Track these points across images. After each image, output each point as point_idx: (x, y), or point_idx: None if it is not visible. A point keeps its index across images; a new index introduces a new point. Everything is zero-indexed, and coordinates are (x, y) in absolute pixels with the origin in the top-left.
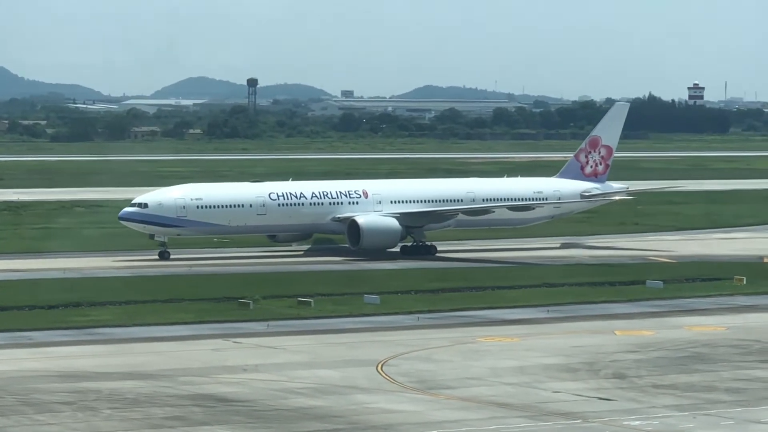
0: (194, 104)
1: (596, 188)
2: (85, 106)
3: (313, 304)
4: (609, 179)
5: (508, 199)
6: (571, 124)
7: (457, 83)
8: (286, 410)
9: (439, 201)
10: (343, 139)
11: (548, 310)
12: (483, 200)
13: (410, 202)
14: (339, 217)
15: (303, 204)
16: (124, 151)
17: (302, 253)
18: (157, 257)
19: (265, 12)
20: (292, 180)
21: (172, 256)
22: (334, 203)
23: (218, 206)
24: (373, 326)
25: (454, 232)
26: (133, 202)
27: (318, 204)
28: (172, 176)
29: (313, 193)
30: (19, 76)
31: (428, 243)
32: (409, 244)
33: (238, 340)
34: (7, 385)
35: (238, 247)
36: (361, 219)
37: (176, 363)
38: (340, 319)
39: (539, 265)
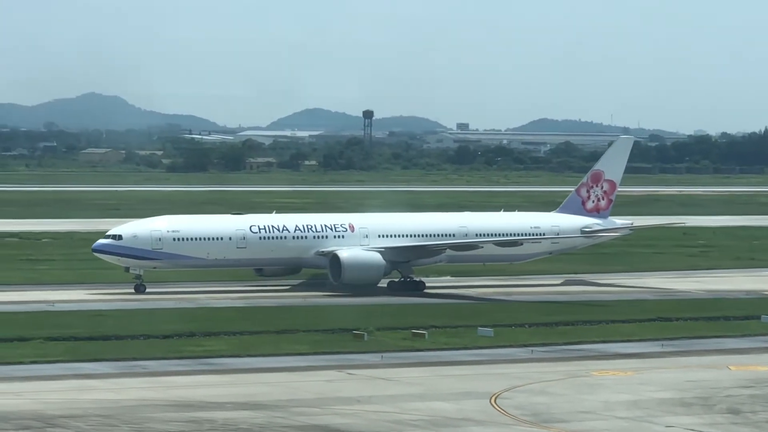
0: (310, 136)
1: (597, 224)
2: (201, 136)
3: (427, 336)
4: (614, 214)
5: (501, 235)
6: (687, 158)
7: (572, 116)
8: None
9: (429, 236)
10: (458, 171)
11: (662, 344)
12: (476, 235)
13: (399, 236)
14: (324, 252)
15: (285, 237)
16: (239, 182)
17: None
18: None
19: (381, 44)
20: (276, 213)
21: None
22: (318, 237)
23: (196, 239)
24: (487, 359)
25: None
26: (107, 233)
27: (302, 237)
28: (287, 207)
29: (296, 226)
30: (136, 106)
31: (416, 279)
32: (397, 279)
33: (352, 371)
34: (121, 414)
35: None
36: (343, 253)
37: (290, 394)
38: (454, 351)
39: (653, 300)
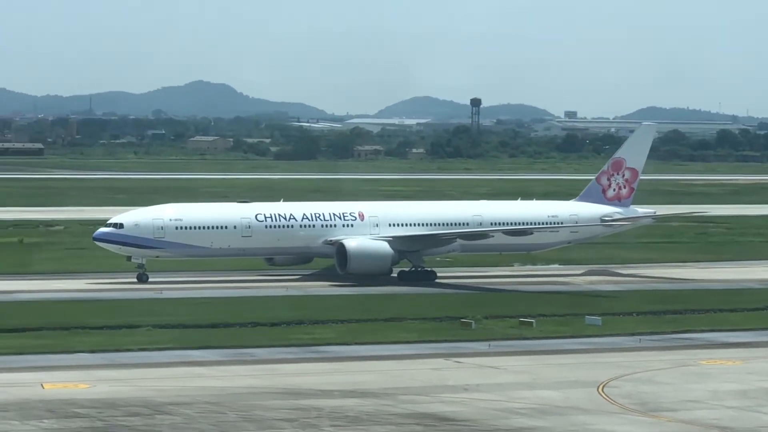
0: (417, 124)
1: (618, 212)
2: (308, 124)
3: (534, 324)
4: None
5: (517, 224)
6: None
7: (680, 104)
8: (506, 430)
9: (441, 224)
10: (565, 159)
11: None
12: (491, 224)
13: (410, 225)
14: (332, 240)
15: (293, 226)
16: (347, 169)
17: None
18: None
19: (489, 32)
20: (284, 201)
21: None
22: (326, 225)
23: (199, 227)
24: (595, 347)
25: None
26: (108, 222)
27: (309, 226)
28: (395, 195)
29: (304, 214)
30: (244, 94)
31: (428, 268)
32: (408, 269)
33: (459, 359)
34: (229, 401)
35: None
36: (349, 242)
37: (398, 382)
38: (561, 340)
39: (760, 289)
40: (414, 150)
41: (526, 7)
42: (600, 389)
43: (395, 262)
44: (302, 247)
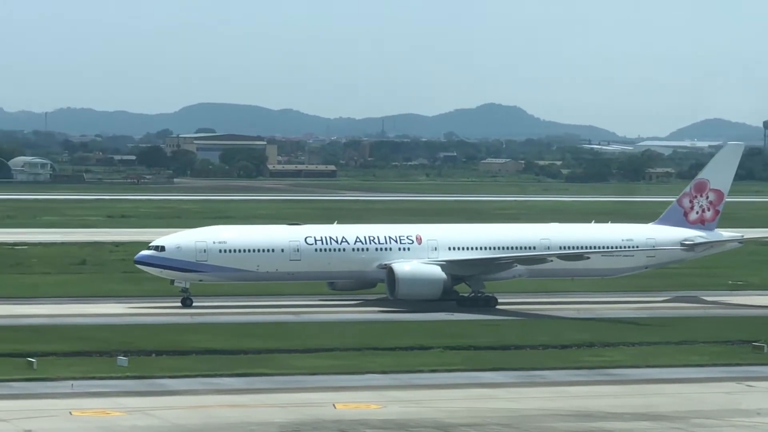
0: (709, 146)
1: (701, 236)
2: (600, 147)
3: None
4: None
5: (584, 248)
6: None
7: None
8: None
9: (504, 248)
10: None
11: None
12: (560, 248)
13: (471, 249)
14: (387, 264)
15: (344, 249)
16: (638, 192)
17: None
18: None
19: None
20: (337, 223)
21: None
22: (381, 249)
23: (245, 250)
24: None
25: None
26: (150, 244)
27: (362, 249)
28: None
29: (357, 237)
30: (535, 116)
31: (488, 294)
32: (467, 294)
33: (751, 383)
34: (521, 423)
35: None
36: (398, 266)
37: (689, 405)
38: None
39: None
40: None
41: None
42: None
43: (448, 287)
44: (356, 271)
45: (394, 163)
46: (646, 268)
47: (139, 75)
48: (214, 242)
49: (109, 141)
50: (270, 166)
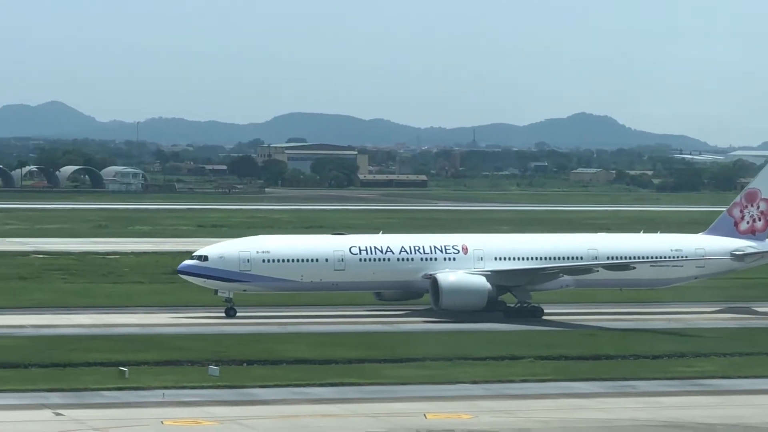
0: None
1: (751, 246)
2: (691, 156)
3: None
4: None
5: (632, 258)
6: None
7: None
8: None
9: (551, 259)
10: None
11: None
12: (607, 258)
13: (518, 259)
14: (431, 275)
15: (389, 259)
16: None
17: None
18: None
19: None
20: (382, 233)
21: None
22: (426, 259)
23: (289, 260)
24: None
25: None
26: (193, 254)
27: (407, 260)
28: None
29: (402, 247)
30: (626, 126)
31: (534, 304)
32: (514, 305)
33: None
34: None
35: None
36: (442, 276)
37: None
38: None
39: None
40: None
41: None
42: None
43: (493, 298)
44: (401, 281)
45: (485, 173)
46: (696, 278)
47: (230, 85)
48: (257, 252)
49: (201, 150)
50: (361, 176)
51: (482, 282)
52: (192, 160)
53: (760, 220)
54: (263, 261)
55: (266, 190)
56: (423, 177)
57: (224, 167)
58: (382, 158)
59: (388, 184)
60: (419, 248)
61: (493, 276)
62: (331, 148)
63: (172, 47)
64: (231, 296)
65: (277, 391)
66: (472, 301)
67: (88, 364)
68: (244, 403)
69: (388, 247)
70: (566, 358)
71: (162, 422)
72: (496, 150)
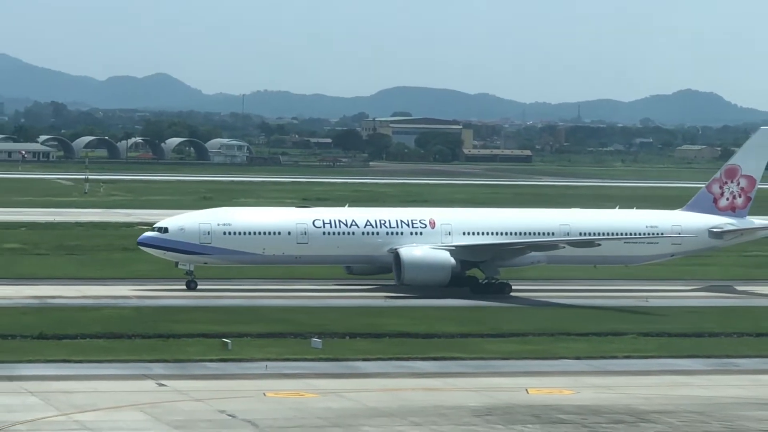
0: None
1: (730, 224)
2: None
3: None
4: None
5: (607, 234)
6: None
7: None
8: None
9: (521, 234)
10: None
11: None
12: (579, 234)
13: (486, 234)
14: (396, 249)
15: (354, 233)
16: None
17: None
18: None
19: None
20: (349, 206)
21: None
22: (392, 233)
23: (250, 233)
24: None
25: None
26: (154, 225)
27: (372, 234)
28: None
29: (367, 221)
30: (733, 103)
31: (502, 280)
32: (482, 280)
33: None
34: (714, 411)
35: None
36: (404, 251)
37: None
38: None
39: None
40: None
41: None
42: None
43: (457, 273)
44: (365, 256)
45: (589, 149)
46: (672, 255)
47: (335, 58)
48: (218, 224)
49: (306, 124)
50: (465, 151)
51: (446, 257)
52: (297, 133)
53: (740, 196)
54: (224, 233)
55: (370, 163)
56: (527, 152)
57: (329, 140)
58: (486, 133)
59: (492, 158)
60: (385, 222)
61: (458, 251)
62: (435, 122)
63: (278, 21)
64: (192, 269)
65: (379, 365)
66: (436, 276)
67: (191, 336)
68: (346, 375)
69: (353, 220)
70: (669, 334)
71: (264, 394)
72: (601, 126)
